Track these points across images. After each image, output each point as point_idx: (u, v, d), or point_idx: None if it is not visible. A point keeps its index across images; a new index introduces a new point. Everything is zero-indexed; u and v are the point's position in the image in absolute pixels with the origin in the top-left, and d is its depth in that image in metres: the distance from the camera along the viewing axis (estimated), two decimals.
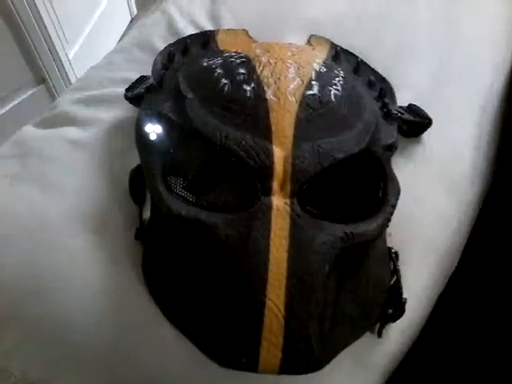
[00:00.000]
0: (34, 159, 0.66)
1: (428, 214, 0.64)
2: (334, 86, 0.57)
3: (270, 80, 0.55)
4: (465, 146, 0.73)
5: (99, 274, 0.54)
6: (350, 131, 0.55)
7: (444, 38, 0.86)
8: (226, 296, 0.45)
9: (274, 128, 0.52)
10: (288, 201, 0.48)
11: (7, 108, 1.53)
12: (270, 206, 0.48)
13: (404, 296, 0.53)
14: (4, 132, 0.83)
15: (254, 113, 0.53)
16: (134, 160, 0.59)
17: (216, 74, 0.58)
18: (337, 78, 0.59)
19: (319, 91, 0.56)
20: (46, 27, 1.53)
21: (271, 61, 0.58)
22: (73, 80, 1.69)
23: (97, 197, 0.61)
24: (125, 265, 0.55)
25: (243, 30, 0.80)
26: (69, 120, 0.72)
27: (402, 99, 0.74)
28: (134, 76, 0.74)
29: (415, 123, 0.69)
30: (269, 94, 0.54)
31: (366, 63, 0.76)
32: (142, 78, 0.70)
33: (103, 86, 0.77)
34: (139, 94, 0.65)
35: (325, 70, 0.60)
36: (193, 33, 0.82)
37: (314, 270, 0.46)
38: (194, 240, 0.50)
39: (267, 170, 0.49)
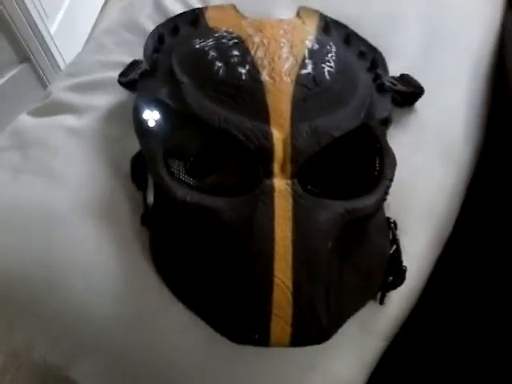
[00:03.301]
0: (33, 150, 0.66)
1: (424, 181, 0.66)
2: (328, 63, 0.58)
3: (265, 61, 0.55)
4: (456, 112, 0.74)
5: (110, 261, 0.56)
6: (346, 108, 0.56)
7: (432, 4, 0.85)
8: (235, 277, 0.48)
9: (271, 110, 0.52)
10: (289, 182, 0.50)
11: None
12: (272, 188, 0.49)
13: (404, 263, 0.56)
14: None
15: (250, 96, 0.53)
16: (133, 146, 0.60)
17: (210, 57, 0.58)
18: (329, 54, 0.60)
19: (313, 70, 0.56)
20: (24, 2, 1.48)
21: (264, 41, 0.58)
22: (56, 56, 1.65)
23: (100, 184, 0.62)
24: (134, 250, 0.57)
25: (231, 5, 0.79)
26: (64, 108, 0.72)
27: (393, 68, 0.74)
28: (126, 59, 0.73)
29: (408, 93, 0.70)
30: (264, 76, 0.54)
31: (356, 33, 0.76)
32: (135, 63, 0.70)
33: (95, 70, 0.77)
34: (133, 80, 0.65)
35: (317, 46, 0.60)
36: (181, 11, 0.81)
37: (318, 247, 0.48)
38: (199, 224, 0.51)
39: (267, 153, 0.50)
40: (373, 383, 0.57)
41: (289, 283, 0.46)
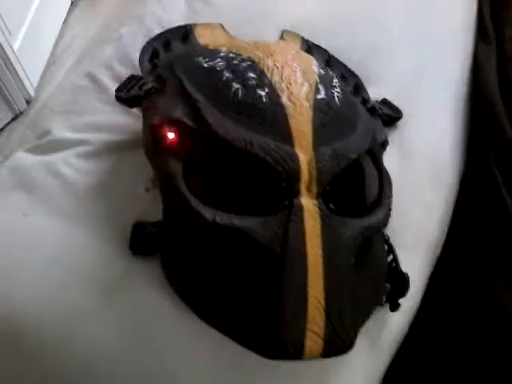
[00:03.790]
0: (39, 188, 0.66)
1: (415, 203, 0.71)
2: (335, 89, 0.61)
3: (283, 85, 0.57)
4: (443, 136, 0.79)
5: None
6: (355, 131, 0.59)
7: (415, 34, 0.92)
8: (271, 295, 0.49)
9: (294, 133, 0.54)
10: (315, 202, 0.52)
11: None
12: (301, 208, 0.51)
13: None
14: None
15: (272, 118, 0.54)
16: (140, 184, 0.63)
17: (225, 78, 0.58)
18: (334, 80, 0.63)
19: (326, 95, 0.58)
20: None
21: (277, 65, 0.59)
22: (21, 75, 1.60)
23: (112, 222, 0.62)
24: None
25: (219, 23, 0.82)
26: (64, 145, 0.71)
27: (381, 97, 0.79)
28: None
29: (392, 117, 0.76)
30: (284, 100, 0.55)
31: (335, 58, 0.80)
32: (133, 78, 0.69)
33: (95, 108, 0.77)
34: (137, 96, 0.64)
35: (323, 72, 0.63)
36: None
37: (344, 263, 0.51)
38: (228, 243, 0.52)
39: (295, 174, 0.52)
40: None
41: (321, 299, 0.48)
